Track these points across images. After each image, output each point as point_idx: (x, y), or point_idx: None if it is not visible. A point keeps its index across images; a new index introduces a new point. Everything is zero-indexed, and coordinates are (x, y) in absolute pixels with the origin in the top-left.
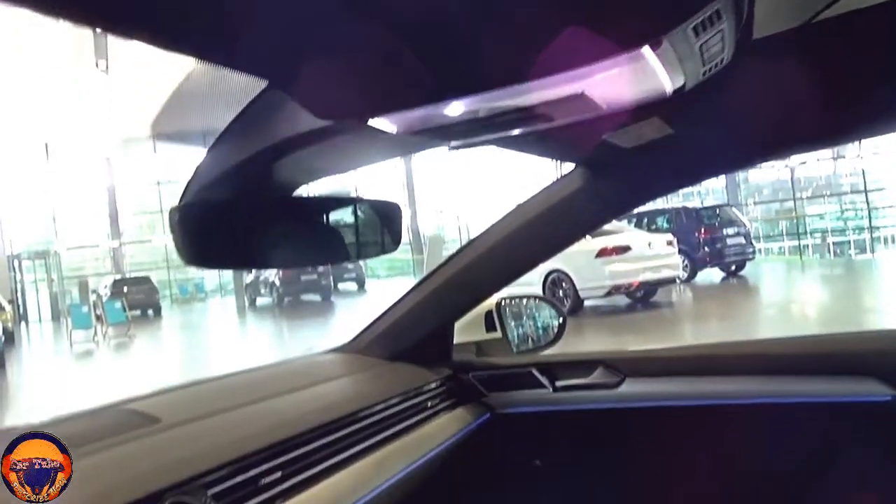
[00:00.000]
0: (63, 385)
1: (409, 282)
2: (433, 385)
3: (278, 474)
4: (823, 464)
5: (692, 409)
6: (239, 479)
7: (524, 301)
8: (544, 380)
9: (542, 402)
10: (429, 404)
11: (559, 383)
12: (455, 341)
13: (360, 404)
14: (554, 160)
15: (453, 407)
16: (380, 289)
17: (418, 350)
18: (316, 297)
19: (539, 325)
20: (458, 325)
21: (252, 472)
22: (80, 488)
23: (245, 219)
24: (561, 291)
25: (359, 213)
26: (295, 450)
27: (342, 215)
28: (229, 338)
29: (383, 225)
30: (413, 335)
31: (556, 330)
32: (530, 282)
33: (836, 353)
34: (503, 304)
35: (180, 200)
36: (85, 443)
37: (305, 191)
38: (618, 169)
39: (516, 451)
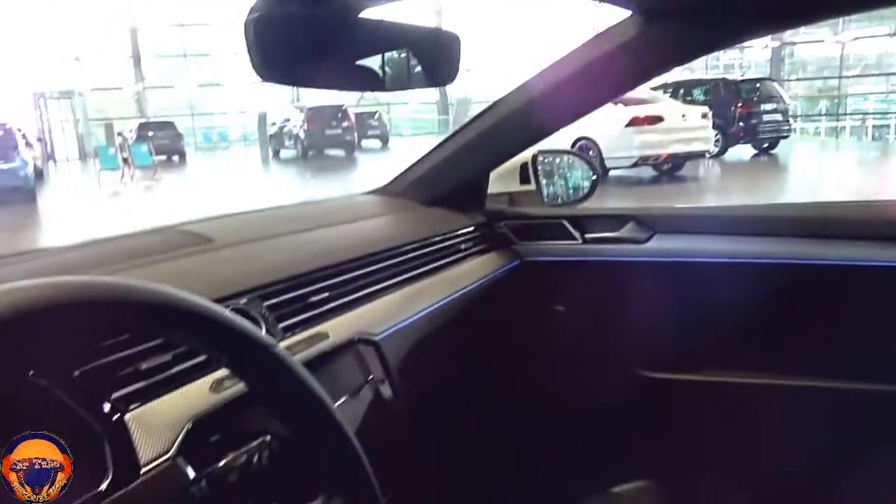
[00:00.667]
0: (93, 218)
1: (433, 140)
2: (466, 230)
3: (325, 295)
4: (853, 323)
5: (719, 266)
6: (290, 295)
7: (559, 157)
8: (574, 231)
9: (571, 253)
10: (461, 247)
11: (588, 235)
12: (489, 191)
13: (398, 241)
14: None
15: (484, 252)
16: (403, 146)
17: (453, 196)
18: (339, 152)
19: (571, 181)
20: (492, 175)
21: (302, 291)
22: None
23: (311, 35)
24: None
25: (418, 41)
26: (339, 276)
27: (402, 41)
28: (254, 184)
29: (441, 56)
30: (449, 182)
31: (587, 188)
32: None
33: (877, 219)
34: (539, 157)
35: (251, 13)
36: (139, 256)
37: (371, 13)
38: (678, 19)
39: (541, 297)
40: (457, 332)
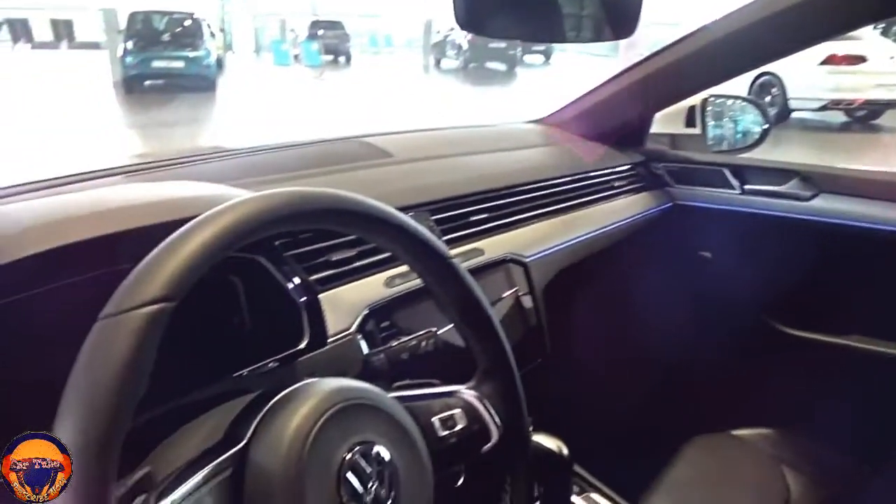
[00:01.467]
0: (269, 112)
1: (598, 62)
2: (623, 168)
3: (484, 216)
4: None
5: (885, 235)
6: (454, 212)
7: (731, 101)
8: (734, 180)
9: (727, 202)
10: (616, 184)
11: (748, 186)
12: (651, 130)
13: (555, 173)
14: None
15: (638, 191)
16: (566, 63)
17: (614, 133)
18: (501, 66)
19: (740, 127)
20: (657, 115)
21: (464, 210)
22: None
23: None
24: (769, 97)
25: None
26: (498, 199)
27: None
28: (417, 91)
29: (623, 9)
30: (611, 118)
31: (756, 136)
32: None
33: None
34: (709, 101)
35: None
36: (327, 164)
37: None
38: None
39: (689, 242)
40: (601, 264)
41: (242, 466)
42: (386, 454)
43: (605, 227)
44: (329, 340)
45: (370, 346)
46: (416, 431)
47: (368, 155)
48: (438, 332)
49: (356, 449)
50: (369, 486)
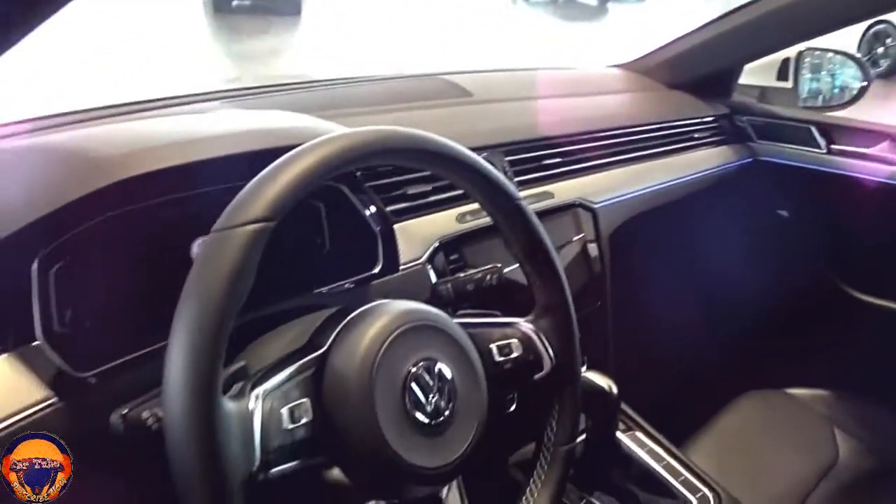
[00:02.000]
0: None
1: (698, 5)
2: (706, 119)
3: (557, 160)
4: None
5: None
6: (528, 154)
7: (829, 55)
8: (821, 139)
9: (811, 161)
10: (696, 135)
11: (836, 147)
12: (739, 81)
13: (635, 120)
14: None
15: (719, 144)
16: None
17: (700, 83)
18: (592, 1)
19: (837, 82)
20: (747, 66)
21: (538, 153)
22: None
23: None
24: (881, 48)
25: None
26: (573, 144)
27: None
28: (504, 23)
29: None
30: (698, 68)
31: (854, 92)
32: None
33: None
34: (805, 53)
35: None
36: (403, 101)
37: None
38: None
39: (767, 199)
40: (672, 215)
41: (322, 368)
42: (447, 371)
43: (681, 178)
44: (401, 268)
45: (438, 275)
46: (475, 354)
47: (448, 93)
48: (503, 269)
49: (420, 364)
50: (430, 397)
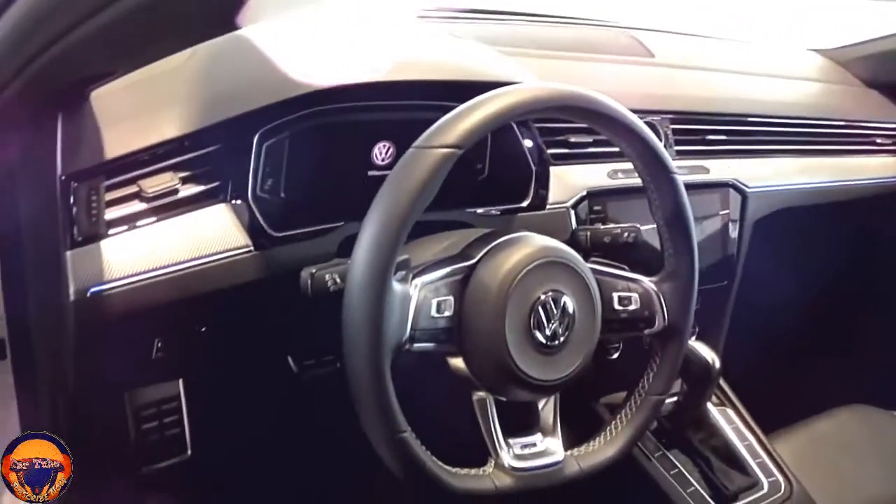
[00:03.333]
0: None
1: None
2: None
3: (722, 137)
4: None
5: None
6: (694, 126)
7: None
8: None
9: None
10: (878, 141)
11: None
12: None
13: (818, 112)
14: None
15: None
16: None
17: None
18: None
19: None
20: None
21: (705, 126)
22: None
23: None
24: None
25: None
26: (743, 125)
27: None
28: None
29: None
30: None
31: None
32: None
33: None
34: None
35: None
36: (589, 51)
37: None
38: None
39: None
40: (826, 217)
41: (469, 277)
42: (570, 305)
43: (847, 181)
44: (547, 207)
45: (578, 222)
46: (597, 297)
47: (630, 49)
48: (640, 229)
49: (550, 293)
50: (551, 322)
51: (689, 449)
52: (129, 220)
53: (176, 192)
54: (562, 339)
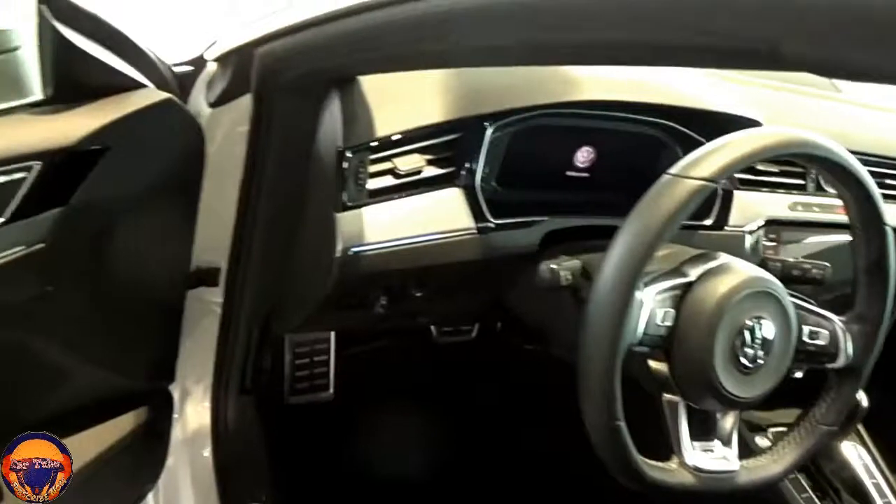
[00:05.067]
0: None
1: None
2: None
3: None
4: None
5: None
6: (876, 170)
7: None
8: None
9: None
10: None
11: None
12: None
13: None
14: None
15: None
16: None
17: None
18: None
19: None
20: None
21: (884, 171)
22: None
23: None
24: None
25: None
26: None
27: None
28: None
29: None
30: None
31: None
32: None
33: None
34: None
35: None
36: (781, 79)
37: None
38: None
39: None
40: None
41: (687, 293)
42: (770, 333)
43: None
44: (726, 228)
45: (751, 248)
46: (795, 328)
47: (818, 81)
48: (829, 268)
49: (755, 319)
50: (753, 346)
51: (819, 477)
52: (383, 193)
53: (420, 172)
54: (759, 361)
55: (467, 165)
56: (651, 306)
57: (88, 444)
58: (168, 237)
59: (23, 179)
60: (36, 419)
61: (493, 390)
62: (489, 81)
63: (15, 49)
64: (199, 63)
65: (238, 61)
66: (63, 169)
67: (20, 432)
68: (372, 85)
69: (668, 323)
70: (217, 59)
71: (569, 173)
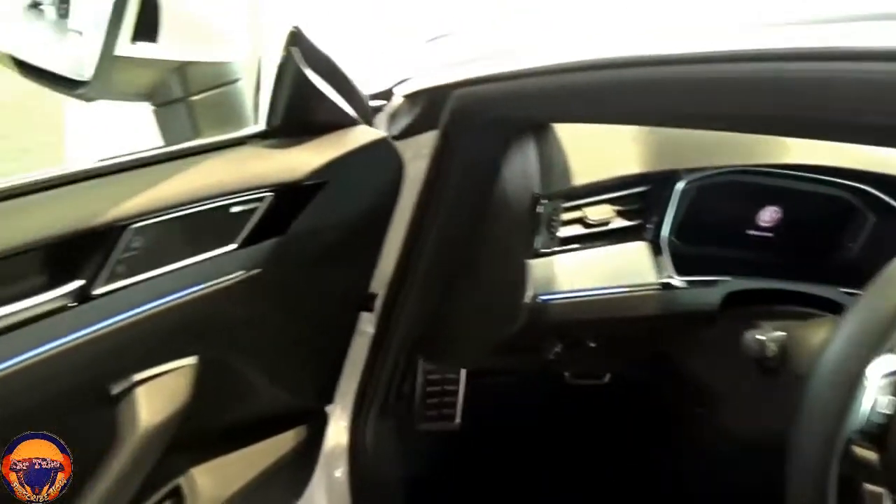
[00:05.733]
0: None
1: None
2: None
3: None
4: None
5: None
6: None
7: None
8: None
9: None
10: None
11: None
12: None
13: None
14: None
15: None
16: None
17: None
18: None
19: None
20: None
21: None
22: None
23: None
24: None
25: None
26: None
27: None
28: None
29: None
30: None
31: None
32: None
33: None
34: None
35: None
36: None
37: None
38: None
39: None
40: None
41: None
42: None
43: None
44: None
45: None
46: None
47: None
48: None
49: None
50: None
51: None
52: (573, 241)
53: (608, 223)
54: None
55: (655, 219)
56: (873, 392)
57: (254, 457)
58: (355, 265)
59: (255, 209)
60: (219, 429)
61: (621, 438)
62: (683, 136)
63: (235, 81)
64: (386, 97)
65: (429, 100)
66: (286, 200)
67: (205, 440)
68: (566, 132)
69: (890, 411)
70: (408, 96)
71: (751, 232)
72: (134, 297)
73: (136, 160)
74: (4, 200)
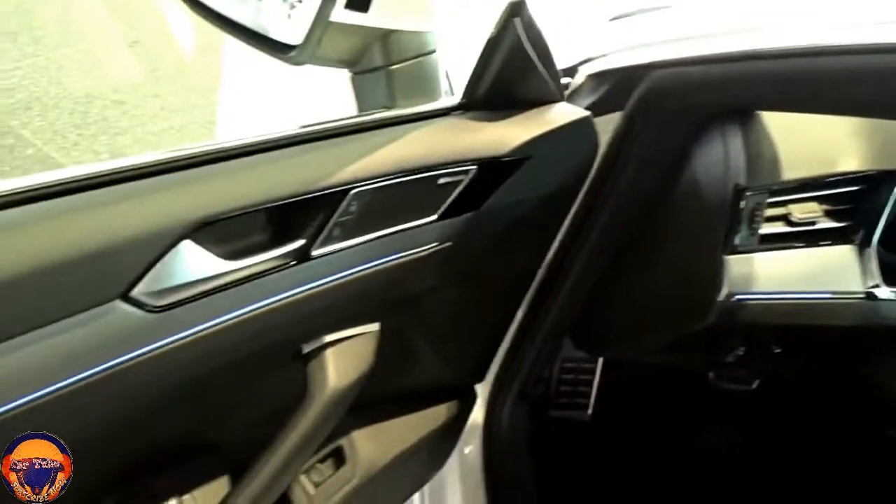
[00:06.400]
0: None
1: None
2: None
3: None
4: None
5: None
6: None
7: None
8: None
9: None
10: None
11: None
12: None
13: None
14: None
15: None
16: None
17: None
18: None
19: None
20: None
21: None
22: None
23: None
24: None
25: None
26: None
27: None
28: None
29: None
30: None
31: None
32: None
33: None
34: None
35: None
36: None
37: None
38: None
39: None
40: None
41: None
42: None
43: None
44: None
45: None
46: None
47: None
48: None
49: None
50: None
51: None
52: (774, 240)
53: (815, 223)
54: None
55: (866, 222)
56: None
57: (410, 426)
58: (538, 244)
59: (459, 181)
60: (383, 396)
61: (769, 449)
62: None
63: (432, 52)
64: (570, 74)
65: (617, 80)
66: (488, 174)
67: (370, 406)
68: (777, 121)
69: None
70: (593, 75)
71: None
72: (344, 260)
73: (352, 125)
74: (237, 158)
